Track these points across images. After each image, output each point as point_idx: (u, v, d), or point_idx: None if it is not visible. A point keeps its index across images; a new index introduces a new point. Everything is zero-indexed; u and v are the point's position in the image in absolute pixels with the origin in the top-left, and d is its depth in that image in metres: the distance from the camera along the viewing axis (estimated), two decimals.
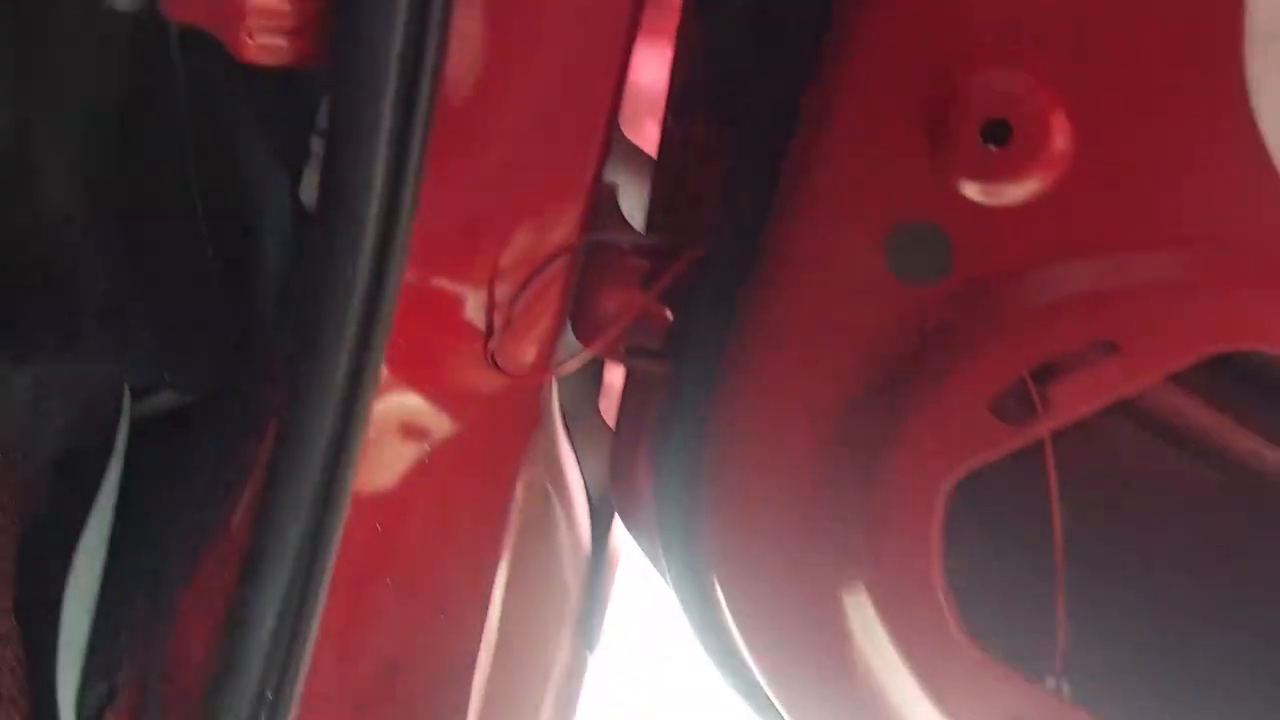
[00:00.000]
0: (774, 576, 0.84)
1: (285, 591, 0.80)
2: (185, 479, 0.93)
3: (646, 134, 1.05)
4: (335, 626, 0.84)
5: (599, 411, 1.08)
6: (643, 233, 0.96)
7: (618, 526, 1.10)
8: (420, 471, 0.90)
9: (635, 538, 1.04)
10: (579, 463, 1.08)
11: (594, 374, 1.07)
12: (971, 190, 0.64)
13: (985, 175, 0.63)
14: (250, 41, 0.73)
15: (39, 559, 0.95)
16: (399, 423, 0.88)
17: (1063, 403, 0.66)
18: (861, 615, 0.80)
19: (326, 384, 0.78)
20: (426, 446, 0.89)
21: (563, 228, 0.86)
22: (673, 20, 0.92)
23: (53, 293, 1.01)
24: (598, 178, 0.86)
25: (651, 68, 0.97)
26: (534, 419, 0.95)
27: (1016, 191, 0.63)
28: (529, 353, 0.91)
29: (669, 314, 0.91)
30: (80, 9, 0.91)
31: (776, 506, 0.81)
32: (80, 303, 1.01)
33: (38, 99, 0.96)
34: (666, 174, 0.93)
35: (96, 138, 0.99)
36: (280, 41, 0.74)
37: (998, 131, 0.62)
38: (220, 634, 0.80)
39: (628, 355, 0.95)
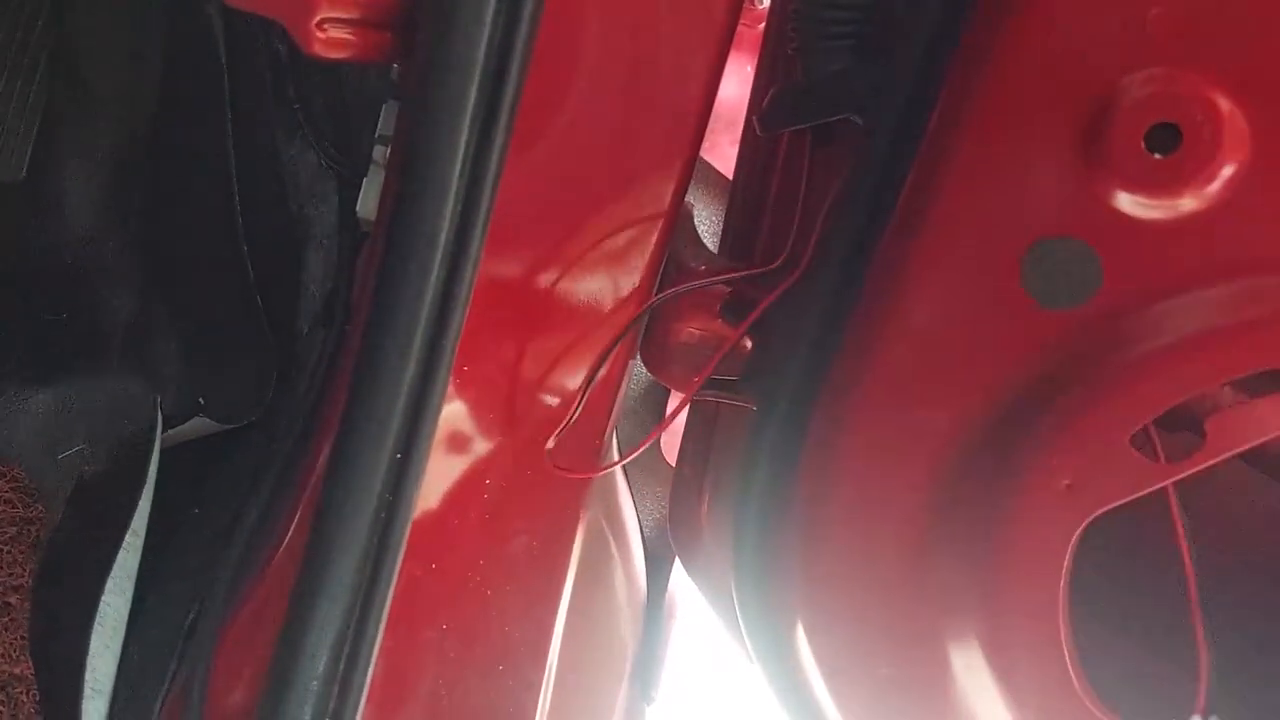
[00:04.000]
0: (869, 625, 0.77)
1: (338, 632, 0.73)
2: (224, 507, 0.85)
3: (722, 152, 1.00)
4: (390, 676, 0.77)
5: (659, 447, 1.01)
6: (719, 255, 0.90)
7: (676, 570, 1.03)
8: (478, 507, 0.83)
9: (695, 581, 0.97)
10: (635, 502, 1.01)
11: (656, 405, 1.01)
12: (1128, 203, 0.58)
13: (1147, 186, 0.57)
14: (320, 34, 0.67)
15: (59, 595, 0.87)
16: (455, 432, 0.81)
17: (1220, 438, 0.60)
18: (970, 670, 0.73)
19: (391, 394, 0.71)
20: (487, 480, 0.82)
21: (643, 246, 0.80)
22: (755, 29, 0.87)
23: (78, 311, 0.94)
24: (681, 195, 0.80)
25: (729, 81, 0.92)
26: (597, 454, 0.89)
27: (1181, 204, 0.57)
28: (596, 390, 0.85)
29: (748, 343, 0.85)
30: None
31: (877, 550, 0.75)
32: (106, 322, 0.94)
33: (70, 94, 0.90)
34: (747, 193, 0.87)
35: (129, 142, 0.93)
36: (353, 35, 0.69)
37: (1164, 138, 0.56)
38: (265, 679, 0.72)
39: (701, 387, 0.88)
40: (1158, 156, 0.56)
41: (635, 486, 1.01)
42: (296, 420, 0.87)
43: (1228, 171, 0.56)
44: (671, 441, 0.99)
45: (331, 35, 0.67)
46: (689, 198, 0.92)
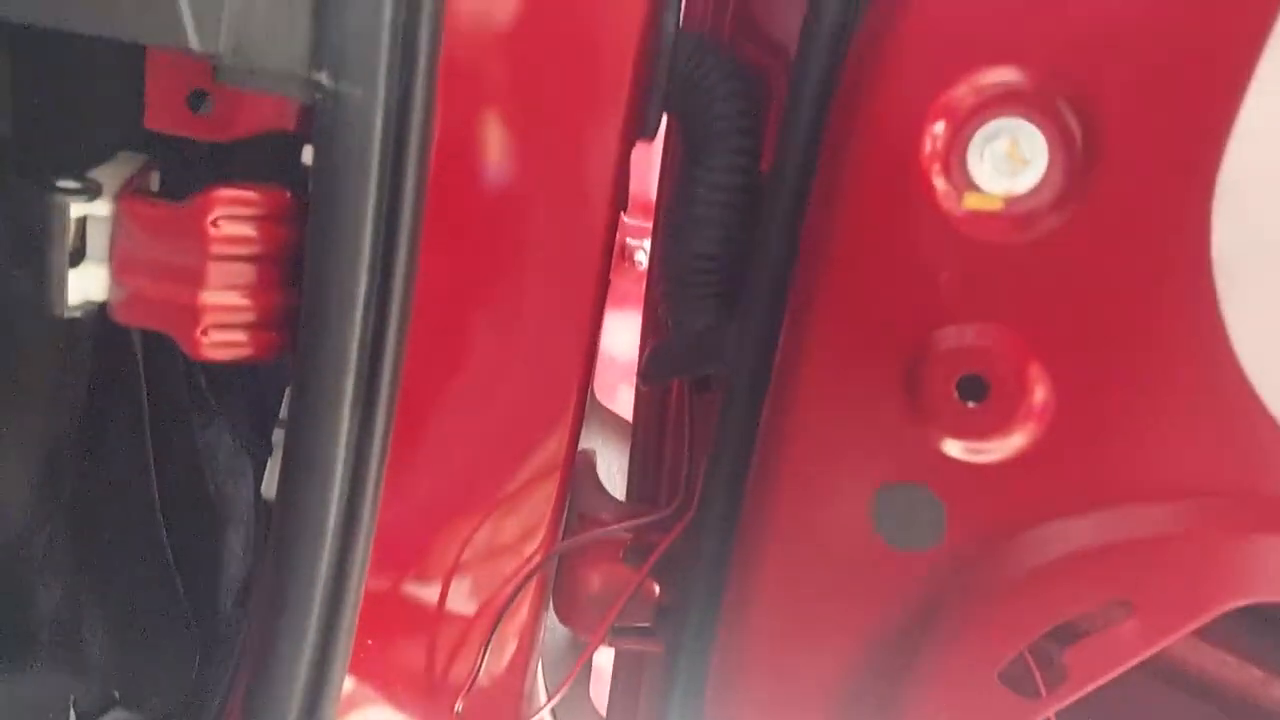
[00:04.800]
0: None
1: None
2: None
3: (621, 401, 1.04)
4: None
5: (589, 697, 1.01)
6: (623, 501, 0.93)
7: None
8: None
9: None
10: None
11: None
12: (956, 449, 0.61)
13: (967, 433, 0.60)
14: (205, 339, 0.71)
15: None
16: (364, 709, 0.81)
17: (1081, 670, 0.61)
18: None
19: (289, 677, 0.72)
20: None
21: (538, 505, 0.82)
22: (639, 287, 0.92)
23: (8, 606, 0.96)
24: (572, 451, 0.83)
25: (624, 335, 0.96)
26: (517, 712, 0.88)
27: (1002, 447, 0.60)
28: (509, 646, 0.86)
29: (656, 588, 0.86)
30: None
31: None
32: (35, 616, 0.95)
33: (2, 394, 0.94)
34: (646, 439, 0.90)
35: (58, 444, 0.96)
36: (240, 337, 0.73)
37: (975, 388, 0.59)
38: None
39: (615, 635, 0.89)
40: (971, 405, 0.59)
41: None
42: (215, 700, 0.87)
43: (1039, 414, 0.59)
44: (601, 692, 0.98)
45: (216, 340, 0.72)
46: (593, 446, 0.96)
